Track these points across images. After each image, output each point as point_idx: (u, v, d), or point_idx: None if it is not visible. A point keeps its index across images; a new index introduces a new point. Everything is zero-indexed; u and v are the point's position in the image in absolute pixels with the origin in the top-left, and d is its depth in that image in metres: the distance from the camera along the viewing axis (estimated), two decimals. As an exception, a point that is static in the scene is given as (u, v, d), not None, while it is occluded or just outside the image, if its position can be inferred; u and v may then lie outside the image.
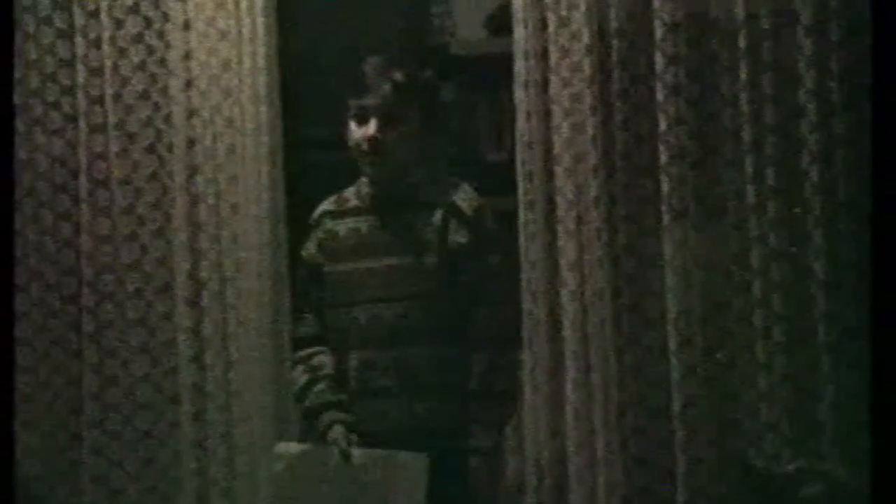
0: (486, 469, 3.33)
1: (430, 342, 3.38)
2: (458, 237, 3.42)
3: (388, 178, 3.45)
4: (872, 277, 2.29)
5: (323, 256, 3.54)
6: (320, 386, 3.47)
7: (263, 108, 3.87)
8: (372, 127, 3.37)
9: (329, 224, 3.55)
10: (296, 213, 3.86)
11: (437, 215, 3.43)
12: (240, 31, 3.86)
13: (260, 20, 3.86)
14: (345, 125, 3.46)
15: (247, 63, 3.86)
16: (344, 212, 3.55)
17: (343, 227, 3.52)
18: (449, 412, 3.39)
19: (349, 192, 3.59)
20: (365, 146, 3.39)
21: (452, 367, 3.40)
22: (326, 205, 3.60)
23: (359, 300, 3.46)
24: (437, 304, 3.41)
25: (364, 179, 3.52)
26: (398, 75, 3.40)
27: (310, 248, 3.57)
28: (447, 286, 3.41)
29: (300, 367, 3.54)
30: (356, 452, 3.35)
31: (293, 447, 3.47)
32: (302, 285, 3.61)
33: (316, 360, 3.53)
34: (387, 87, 3.38)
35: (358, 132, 3.41)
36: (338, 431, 3.40)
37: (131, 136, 3.95)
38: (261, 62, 3.86)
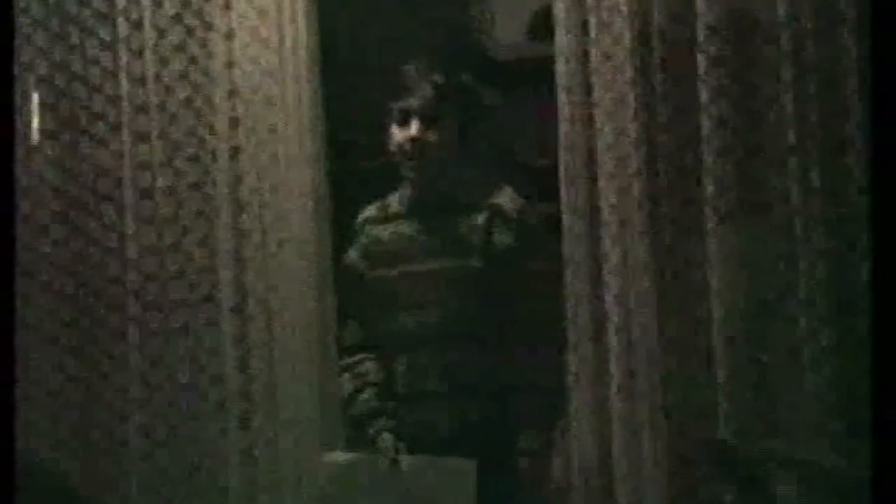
0: (535, 470, 3.33)
1: (476, 345, 3.39)
2: (504, 239, 3.44)
3: (430, 181, 3.47)
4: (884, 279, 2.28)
5: (367, 263, 3.56)
6: (367, 393, 3.49)
7: (306, 115, 3.88)
8: (414, 128, 3.40)
9: (372, 230, 3.57)
10: (339, 219, 3.87)
11: (481, 217, 3.45)
12: (281, 39, 3.88)
13: (302, 27, 3.87)
14: (386, 129, 3.47)
15: (290, 70, 3.87)
16: (387, 217, 3.58)
17: (387, 232, 3.55)
18: (497, 415, 3.40)
19: (392, 199, 3.61)
20: (407, 147, 3.41)
21: (499, 370, 3.41)
22: (369, 211, 3.63)
23: (405, 305, 3.49)
24: (482, 307, 3.43)
25: (406, 184, 3.54)
26: (438, 77, 3.42)
27: (352, 256, 3.60)
28: (493, 288, 3.42)
29: (346, 375, 3.56)
30: (404, 459, 3.36)
31: (341, 456, 3.48)
32: (345, 292, 3.63)
33: (362, 368, 3.55)
34: (427, 88, 3.40)
35: (399, 134, 3.43)
36: (387, 439, 3.41)
37: (175, 145, 3.98)
38: (303, 69, 3.88)
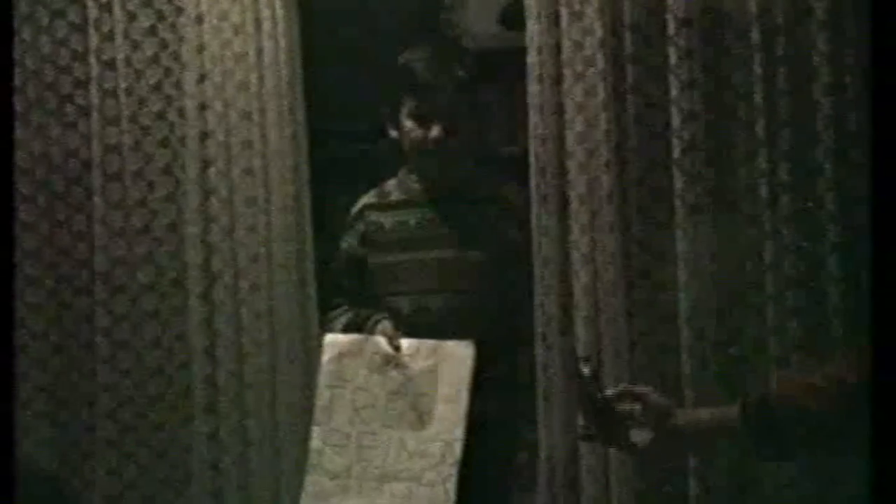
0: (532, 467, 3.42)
1: (476, 335, 3.42)
2: (513, 231, 3.49)
3: (443, 174, 3.50)
4: (874, 274, 2.28)
5: (365, 249, 3.58)
6: (365, 311, 3.52)
7: (285, 101, 3.86)
8: (437, 129, 3.41)
9: (373, 217, 3.59)
10: (319, 206, 3.86)
11: (492, 209, 3.49)
12: (258, 24, 3.85)
13: (280, 12, 3.85)
14: (387, 119, 3.49)
15: (267, 56, 3.85)
16: (388, 205, 3.60)
17: (389, 219, 3.57)
18: (494, 407, 3.44)
19: (390, 186, 3.63)
20: (431, 146, 3.43)
21: (498, 360, 3.45)
22: (368, 198, 3.65)
23: (404, 290, 3.51)
24: (486, 297, 3.47)
25: (410, 174, 3.55)
26: (461, 73, 3.44)
27: (351, 241, 3.62)
28: (498, 279, 3.47)
29: (339, 318, 3.58)
30: (404, 343, 3.41)
31: (342, 338, 3.51)
32: (338, 277, 3.65)
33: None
34: (450, 87, 3.42)
35: (418, 132, 3.44)
36: (386, 324, 3.45)
37: (144, 130, 3.96)
38: (281, 55, 3.85)
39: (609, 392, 2.76)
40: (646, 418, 2.72)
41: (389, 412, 3.45)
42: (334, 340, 3.53)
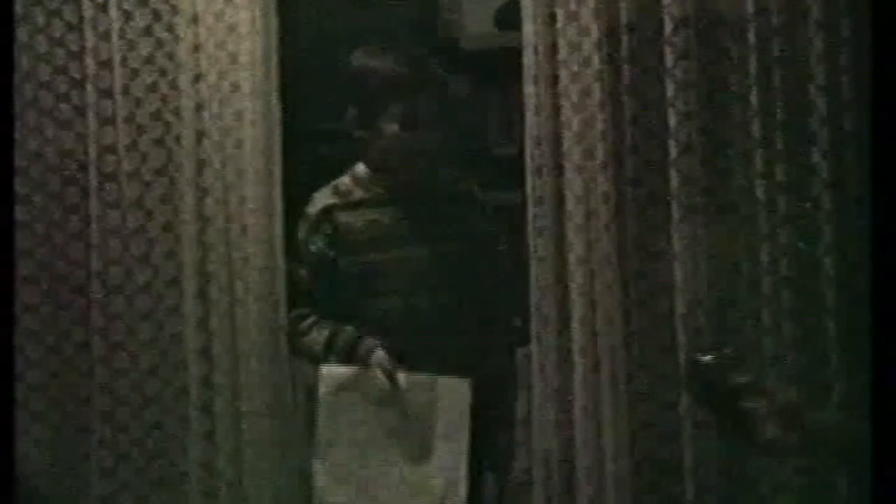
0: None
1: (462, 331, 3.43)
2: (484, 226, 3.51)
3: (421, 173, 3.52)
4: (873, 274, 2.28)
5: (335, 250, 3.56)
6: (349, 329, 3.51)
7: (261, 102, 3.85)
8: (422, 134, 3.43)
9: (341, 217, 3.57)
10: (293, 207, 3.84)
11: (459, 205, 3.51)
12: (259, 23, 3.84)
13: (258, 13, 3.84)
14: (354, 120, 3.49)
15: (245, 57, 3.83)
16: (354, 203, 3.58)
17: (358, 219, 3.55)
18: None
19: (346, 185, 3.61)
20: (416, 148, 3.45)
21: (486, 354, 3.48)
22: (326, 198, 3.62)
23: (384, 291, 3.51)
24: (466, 293, 3.48)
25: (375, 172, 3.55)
26: (441, 75, 3.47)
27: (317, 243, 3.58)
28: (473, 274, 3.48)
29: (315, 329, 3.57)
30: (401, 377, 3.42)
31: (338, 371, 3.51)
32: (306, 283, 3.63)
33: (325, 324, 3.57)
34: (434, 90, 3.44)
35: (403, 135, 3.45)
36: (380, 355, 3.45)
37: (140, 129, 3.95)
38: (258, 54, 3.84)
39: (734, 382, 2.69)
40: (773, 413, 2.65)
41: (390, 446, 3.46)
42: (331, 373, 3.52)
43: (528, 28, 3.57)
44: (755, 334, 3.42)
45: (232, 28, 3.84)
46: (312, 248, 3.62)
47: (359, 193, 3.61)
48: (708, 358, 2.68)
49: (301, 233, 3.65)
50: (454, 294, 3.54)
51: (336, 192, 3.63)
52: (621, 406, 3.47)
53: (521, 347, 3.65)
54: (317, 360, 3.59)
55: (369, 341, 3.51)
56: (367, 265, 3.55)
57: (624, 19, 3.49)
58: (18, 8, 3.94)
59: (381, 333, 3.53)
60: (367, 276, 3.55)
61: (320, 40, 4.27)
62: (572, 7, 3.51)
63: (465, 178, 3.70)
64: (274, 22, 3.87)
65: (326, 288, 3.60)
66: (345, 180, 3.63)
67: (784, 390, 2.72)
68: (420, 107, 3.48)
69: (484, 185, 3.77)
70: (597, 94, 3.49)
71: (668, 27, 3.42)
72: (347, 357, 3.52)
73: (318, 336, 3.58)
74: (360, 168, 3.62)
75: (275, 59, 3.87)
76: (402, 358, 3.48)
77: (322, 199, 3.63)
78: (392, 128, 3.50)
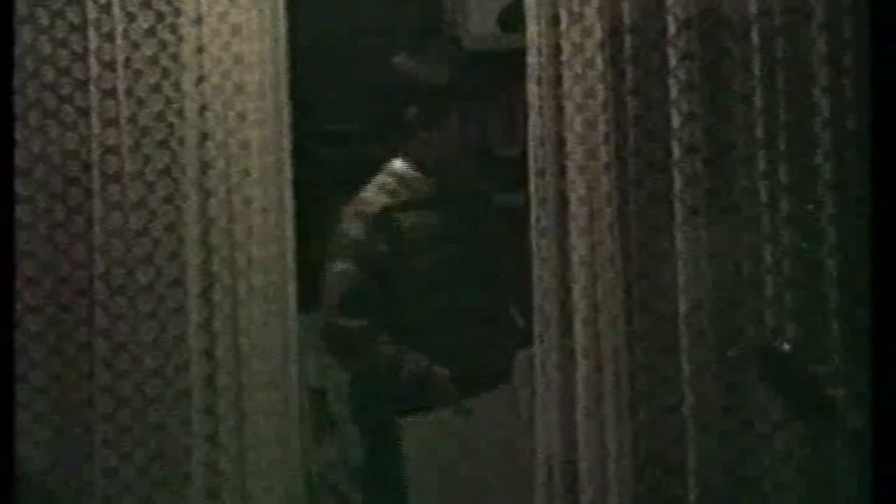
0: None
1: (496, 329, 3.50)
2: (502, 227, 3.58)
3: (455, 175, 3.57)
4: (873, 274, 2.29)
5: (395, 251, 3.60)
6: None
7: (269, 103, 3.86)
8: (468, 136, 3.51)
9: (400, 217, 3.62)
10: (304, 209, 3.85)
11: (490, 207, 3.56)
12: (261, 24, 3.85)
13: (266, 13, 3.85)
14: (387, 122, 3.53)
15: (254, 57, 3.84)
16: (406, 205, 3.62)
17: (412, 219, 3.61)
18: None
19: (391, 184, 3.64)
20: (464, 151, 3.50)
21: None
22: (381, 198, 3.65)
23: (447, 288, 3.56)
24: (502, 290, 3.54)
25: (420, 172, 3.59)
26: (469, 76, 3.53)
27: (382, 246, 3.62)
28: (503, 273, 3.55)
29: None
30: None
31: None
32: (365, 282, 3.65)
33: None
34: (463, 90, 3.48)
35: (455, 139, 3.51)
36: (438, 373, 3.50)
37: (144, 131, 3.96)
38: (266, 54, 3.85)
39: (815, 370, 2.65)
40: (852, 403, 2.60)
41: None
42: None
43: (532, 29, 3.58)
44: (759, 335, 3.41)
45: (236, 29, 3.85)
46: (381, 248, 3.63)
47: (405, 193, 3.64)
48: (788, 346, 2.66)
49: (355, 232, 3.66)
50: (488, 293, 3.59)
51: (385, 191, 3.65)
52: (624, 407, 3.47)
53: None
54: (376, 373, 3.63)
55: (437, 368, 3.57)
56: (420, 265, 3.59)
57: (627, 20, 3.49)
58: (22, 9, 3.94)
59: (433, 332, 3.58)
60: (427, 275, 3.59)
61: (323, 39, 4.27)
62: (576, 8, 3.52)
63: (484, 179, 3.75)
64: (282, 21, 3.88)
65: (387, 288, 3.63)
66: (387, 180, 3.66)
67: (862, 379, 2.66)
68: (468, 112, 3.53)
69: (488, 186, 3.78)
70: (600, 95, 3.49)
71: (672, 28, 3.43)
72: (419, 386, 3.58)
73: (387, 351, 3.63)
74: (400, 167, 3.64)
75: (283, 59, 3.87)
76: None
77: (376, 198, 3.65)
78: (450, 131, 3.53)
